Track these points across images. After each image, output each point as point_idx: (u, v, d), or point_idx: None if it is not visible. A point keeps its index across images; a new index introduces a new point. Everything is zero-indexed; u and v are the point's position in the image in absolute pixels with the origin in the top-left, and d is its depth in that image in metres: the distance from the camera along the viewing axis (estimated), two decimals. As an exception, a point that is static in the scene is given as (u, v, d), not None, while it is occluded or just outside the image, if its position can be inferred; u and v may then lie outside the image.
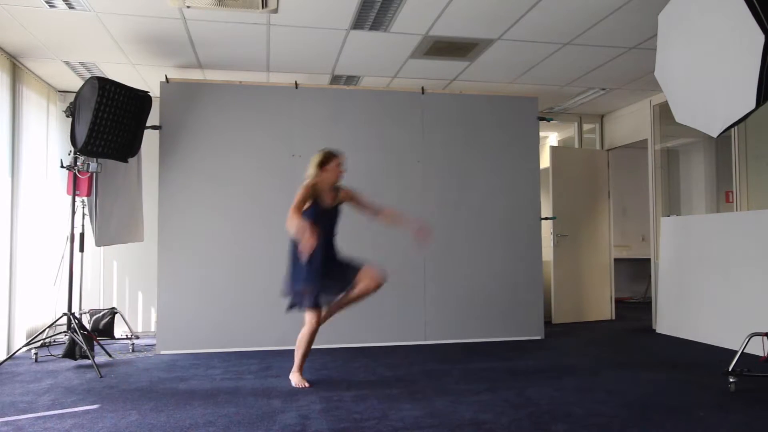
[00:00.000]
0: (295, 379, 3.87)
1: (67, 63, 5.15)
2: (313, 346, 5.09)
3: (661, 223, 6.15)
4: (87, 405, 3.37)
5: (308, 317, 3.80)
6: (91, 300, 5.92)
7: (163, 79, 5.15)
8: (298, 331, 5.13)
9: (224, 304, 5.08)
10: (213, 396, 3.56)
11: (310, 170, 3.82)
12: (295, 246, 3.70)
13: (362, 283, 3.78)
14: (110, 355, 4.76)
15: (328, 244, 3.83)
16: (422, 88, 5.59)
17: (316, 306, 3.77)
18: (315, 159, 3.84)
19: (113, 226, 5.24)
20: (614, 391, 3.61)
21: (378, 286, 3.82)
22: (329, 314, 3.92)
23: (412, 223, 4.08)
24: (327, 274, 3.74)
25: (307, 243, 3.41)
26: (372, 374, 4.16)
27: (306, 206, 3.70)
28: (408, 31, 4.48)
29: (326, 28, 4.41)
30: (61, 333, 5.00)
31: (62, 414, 3.19)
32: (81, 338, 4.29)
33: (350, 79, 5.72)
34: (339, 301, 3.88)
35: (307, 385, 3.80)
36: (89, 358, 4.24)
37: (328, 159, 3.82)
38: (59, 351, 4.55)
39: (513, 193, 5.69)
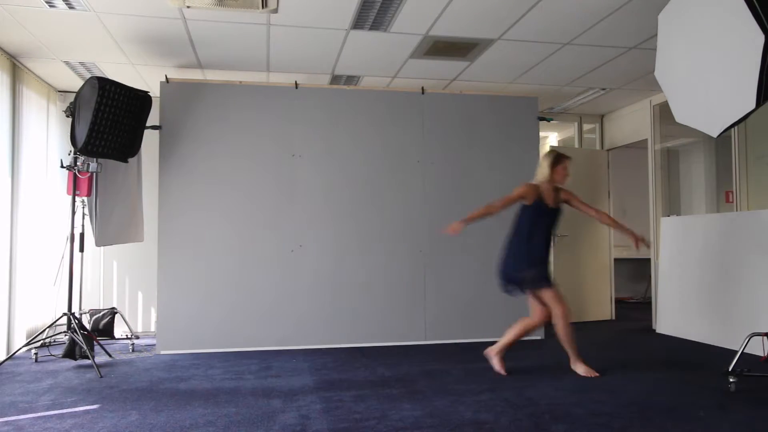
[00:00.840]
0: (581, 369, 4.05)
1: (67, 63, 5.15)
2: (313, 346, 5.15)
3: (661, 223, 6.15)
4: (87, 405, 3.37)
5: (551, 299, 3.96)
6: (91, 300, 5.93)
7: (163, 79, 5.15)
8: (299, 331, 5.17)
9: (224, 304, 5.08)
10: (213, 396, 3.56)
11: (543, 170, 4.09)
12: (517, 236, 4.08)
13: (542, 312, 4.08)
14: (110, 355, 4.76)
15: (547, 243, 4.09)
16: (422, 88, 5.59)
17: (550, 283, 3.99)
18: (547, 159, 4.10)
19: (113, 226, 5.24)
20: (614, 391, 3.61)
21: (548, 323, 4.13)
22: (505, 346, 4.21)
23: (630, 232, 4.13)
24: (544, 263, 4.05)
25: (479, 214, 3.95)
26: (372, 374, 4.16)
27: (528, 203, 4.04)
28: (408, 31, 4.48)
29: (326, 28, 4.41)
30: (61, 333, 5.00)
31: (62, 414, 3.19)
32: (81, 338, 4.29)
33: (350, 79, 5.72)
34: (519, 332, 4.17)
35: (596, 374, 3.97)
36: (89, 358, 4.24)
37: (559, 160, 4.07)
38: (59, 351, 4.55)
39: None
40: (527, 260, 4.02)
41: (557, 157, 4.09)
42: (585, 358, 4.13)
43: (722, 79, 3.05)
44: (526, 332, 4.16)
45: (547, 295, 3.98)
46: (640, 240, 4.03)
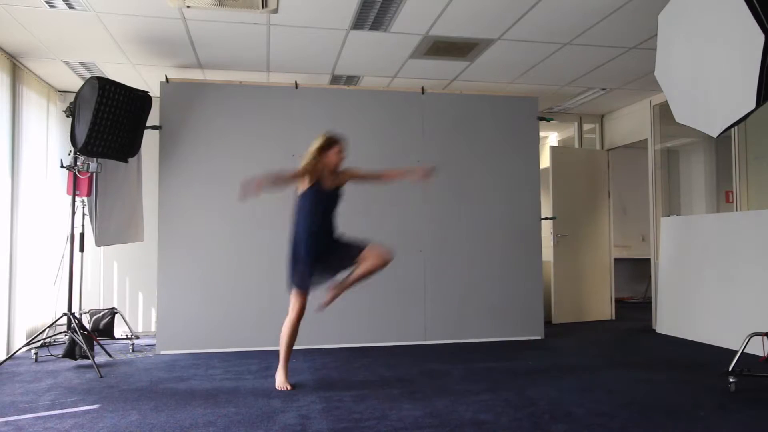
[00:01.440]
0: (279, 379, 3.73)
1: (67, 63, 5.15)
2: (313, 346, 5.14)
3: (661, 223, 6.15)
4: (87, 405, 3.37)
5: (293, 301, 3.68)
6: (91, 300, 5.92)
7: (163, 79, 5.15)
8: (298, 331, 5.15)
9: (224, 304, 5.08)
10: (213, 396, 3.55)
11: (310, 153, 3.71)
12: (296, 225, 3.75)
13: (368, 261, 3.68)
14: (110, 355, 4.76)
15: (328, 227, 3.79)
16: (422, 88, 5.59)
17: (304, 288, 3.67)
18: (316, 143, 3.75)
19: (113, 226, 5.24)
20: (614, 391, 3.61)
21: (384, 264, 3.70)
22: (335, 295, 3.82)
23: (415, 171, 3.98)
24: (325, 255, 3.71)
25: (258, 183, 3.33)
26: (372, 374, 4.16)
27: (304, 187, 3.66)
28: (408, 31, 4.48)
29: (326, 28, 4.41)
30: (61, 333, 5.00)
31: (62, 414, 3.19)
32: (81, 338, 4.29)
33: (350, 79, 5.72)
34: (344, 280, 3.80)
35: (289, 387, 3.67)
36: (89, 358, 4.24)
37: (329, 144, 3.75)
38: (59, 351, 4.55)
39: (513, 193, 5.68)
40: (297, 252, 3.73)
41: (328, 141, 3.76)
42: (585, 357, 4.12)
43: (722, 79, 3.05)
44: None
45: (292, 294, 3.72)
46: (419, 173, 3.93)
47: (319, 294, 3.86)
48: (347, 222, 5.34)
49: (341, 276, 3.82)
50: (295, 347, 5.09)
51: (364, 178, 4.00)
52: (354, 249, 3.75)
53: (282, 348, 3.74)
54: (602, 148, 7.33)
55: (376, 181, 4.07)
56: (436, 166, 5.52)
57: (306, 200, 3.71)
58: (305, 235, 3.70)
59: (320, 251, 3.70)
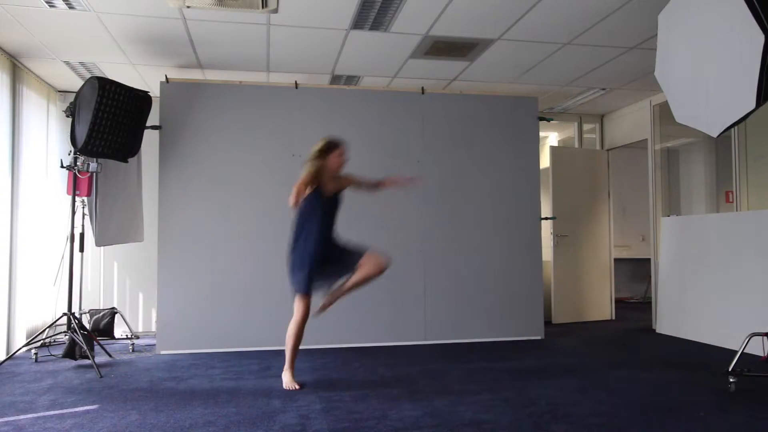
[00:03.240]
0: (285, 379, 3.77)
1: (67, 63, 5.15)
2: (313, 346, 5.14)
3: (661, 223, 6.15)
4: (87, 405, 3.37)
5: (296, 305, 3.71)
6: (91, 300, 5.93)
7: (163, 79, 5.15)
8: (298, 331, 5.16)
9: (224, 304, 5.08)
10: (213, 396, 3.55)
11: (311, 157, 3.70)
12: (296, 230, 3.76)
13: (364, 268, 3.69)
14: (110, 355, 4.76)
15: (328, 232, 3.79)
16: (422, 88, 5.59)
17: (306, 292, 3.70)
18: (316, 146, 3.73)
19: (113, 226, 5.24)
20: (614, 391, 3.61)
21: (381, 271, 3.70)
22: (331, 301, 3.85)
23: (398, 180, 4.02)
24: (325, 261, 3.72)
25: (296, 195, 3.47)
26: (372, 374, 4.16)
27: (306, 192, 3.63)
28: (408, 31, 4.48)
29: (326, 28, 4.41)
30: (61, 333, 5.00)
31: (62, 414, 3.19)
32: (81, 338, 4.29)
33: (350, 79, 5.72)
34: (341, 287, 3.81)
35: (297, 387, 3.69)
36: (89, 358, 4.24)
37: (330, 148, 3.73)
38: (59, 351, 4.55)
39: (513, 193, 5.69)
40: (302, 258, 3.72)
41: (329, 144, 3.75)
42: (585, 357, 4.12)
43: (722, 79, 3.05)
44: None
45: (296, 298, 3.72)
46: (405, 180, 4.03)
47: (320, 298, 3.87)
48: (347, 222, 5.34)
49: (340, 281, 3.82)
50: (295, 347, 5.13)
51: (363, 185, 4.01)
52: (353, 255, 3.75)
53: (288, 349, 3.75)
54: (602, 148, 7.33)
55: (372, 190, 4.06)
56: (435, 164, 5.55)
57: (307, 205, 3.69)
58: (306, 240, 3.71)
59: (321, 256, 3.71)
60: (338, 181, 3.82)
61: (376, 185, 4.02)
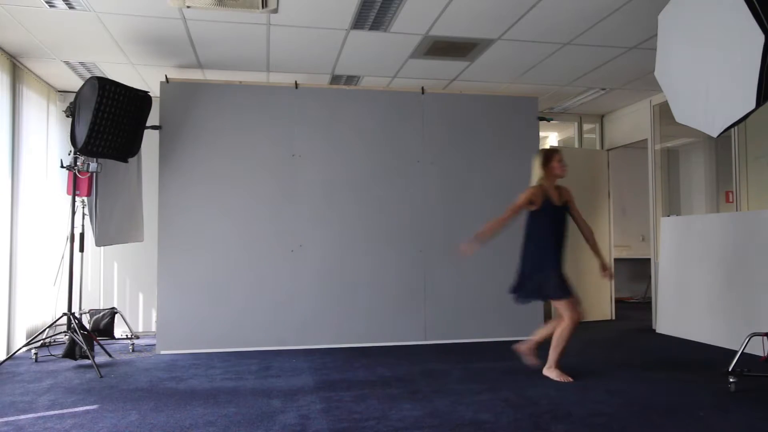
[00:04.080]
0: (554, 374, 3.93)
1: (67, 63, 5.15)
2: (313, 346, 5.15)
3: (661, 223, 6.15)
4: (87, 405, 3.37)
5: (567, 308, 3.84)
6: (91, 300, 5.93)
7: (163, 79, 5.15)
8: (298, 331, 5.17)
9: (224, 304, 5.08)
10: (213, 396, 3.56)
11: (536, 172, 4.01)
12: (532, 245, 4.02)
13: (562, 326, 3.89)
14: (110, 355, 4.76)
15: (559, 245, 3.98)
16: (422, 88, 5.59)
17: (567, 296, 3.86)
18: (537, 161, 4.02)
19: (113, 226, 5.24)
20: (614, 391, 3.61)
21: (575, 327, 3.89)
22: (526, 348, 4.17)
23: (601, 261, 4.24)
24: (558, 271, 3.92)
25: (489, 229, 3.91)
26: (372, 374, 4.16)
27: (536, 207, 3.93)
28: (408, 31, 4.48)
29: (326, 28, 4.40)
30: (61, 333, 5.00)
31: (62, 414, 3.19)
32: (81, 338, 4.29)
33: (350, 79, 5.72)
34: (535, 341, 4.13)
35: (570, 379, 3.86)
36: (89, 358, 4.24)
37: (549, 157, 4.00)
38: (59, 351, 4.55)
39: (513, 193, 5.63)
40: (541, 266, 3.94)
41: (547, 153, 4.03)
42: (585, 357, 4.13)
43: (722, 79, 3.05)
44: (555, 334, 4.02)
45: (561, 305, 3.90)
46: (607, 270, 4.21)
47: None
48: (348, 222, 5.36)
49: (530, 299, 4.18)
50: (295, 347, 5.14)
51: (575, 215, 4.14)
52: (561, 290, 3.88)
53: (557, 348, 3.93)
54: (602, 148, 7.33)
55: (579, 227, 4.19)
56: (434, 164, 5.55)
57: (540, 217, 3.96)
58: (544, 249, 3.95)
59: (559, 263, 3.93)
60: (560, 192, 4.05)
61: (583, 230, 4.20)
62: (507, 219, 3.96)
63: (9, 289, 4.80)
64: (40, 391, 3.68)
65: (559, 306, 3.91)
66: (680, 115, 3.45)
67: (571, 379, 3.86)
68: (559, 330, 3.92)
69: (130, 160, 4.88)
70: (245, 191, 5.19)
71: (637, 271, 8.63)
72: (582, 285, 6.85)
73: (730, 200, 5.78)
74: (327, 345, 5.20)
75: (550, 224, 3.96)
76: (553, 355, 3.96)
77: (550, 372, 3.97)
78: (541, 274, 3.91)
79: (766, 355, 3.80)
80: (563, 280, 3.90)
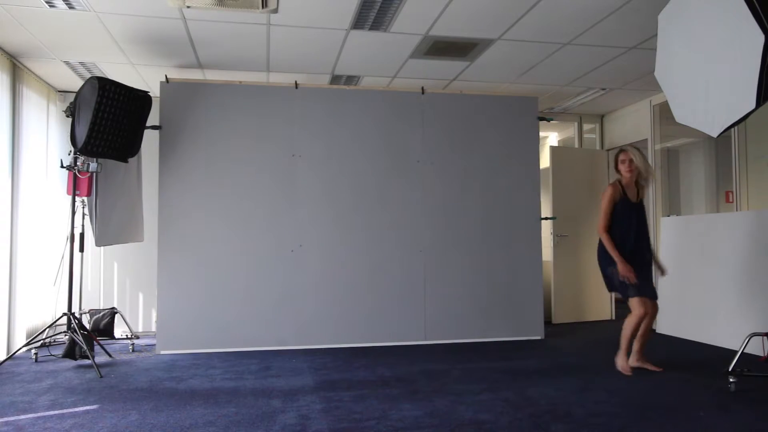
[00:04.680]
0: (619, 362, 4.13)
1: (67, 63, 5.15)
2: (313, 346, 5.15)
3: (661, 223, 6.14)
4: (87, 405, 3.37)
5: (631, 305, 4.07)
6: (91, 300, 5.93)
7: (163, 79, 5.15)
8: (298, 331, 5.18)
9: (224, 304, 5.08)
10: (213, 396, 3.56)
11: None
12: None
13: (648, 319, 4.11)
14: (110, 355, 4.76)
15: (639, 237, 4.14)
16: (422, 88, 5.59)
17: (629, 295, 4.04)
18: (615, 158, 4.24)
19: (113, 226, 5.24)
20: (614, 391, 3.61)
21: (651, 322, 4.16)
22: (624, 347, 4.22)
23: (658, 263, 4.42)
24: (639, 268, 4.06)
25: (612, 247, 4.10)
26: (372, 374, 4.16)
27: (612, 207, 4.14)
28: (408, 31, 4.48)
29: (326, 28, 4.41)
30: (61, 333, 5.00)
31: (62, 414, 3.19)
32: (81, 338, 4.29)
33: (350, 79, 5.72)
34: (626, 345, 4.19)
35: (629, 373, 4.01)
36: (89, 358, 4.24)
37: (615, 157, 4.22)
38: (59, 351, 4.55)
39: (513, 193, 5.69)
40: (611, 262, 4.15)
41: (616, 156, 4.23)
42: (585, 357, 4.13)
43: (722, 79, 3.05)
44: (636, 329, 4.15)
45: (630, 301, 4.08)
46: (663, 269, 4.43)
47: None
48: (348, 222, 5.36)
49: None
50: (295, 347, 5.14)
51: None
52: (625, 287, 4.05)
53: (625, 338, 4.12)
54: (602, 148, 7.33)
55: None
56: (434, 164, 5.56)
57: (616, 214, 4.15)
58: (623, 248, 4.10)
59: (638, 262, 4.07)
60: (639, 189, 4.21)
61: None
62: (608, 225, 4.19)
63: (9, 289, 4.80)
64: (40, 391, 3.68)
65: (630, 303, 4.10)
66: (680, 115, 3.45)
67: (630, 373, 4.02)
68: (627, 320, 4.13)
69: (130, 160, 4.88)
70: (245, 191, 5.19)
71: (637, 271, 8.60)
72: (582, 285, 6.87)
73: (730, 200, 5.78)
74: (327, 345, 5.20)
75: (622, 221, 4.13)
76: (622, 344, 4.15)
77: (617, 358, 4.18)
78: (612, 269, 4.13)
79: (766, 355, 3.81)
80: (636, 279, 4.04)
